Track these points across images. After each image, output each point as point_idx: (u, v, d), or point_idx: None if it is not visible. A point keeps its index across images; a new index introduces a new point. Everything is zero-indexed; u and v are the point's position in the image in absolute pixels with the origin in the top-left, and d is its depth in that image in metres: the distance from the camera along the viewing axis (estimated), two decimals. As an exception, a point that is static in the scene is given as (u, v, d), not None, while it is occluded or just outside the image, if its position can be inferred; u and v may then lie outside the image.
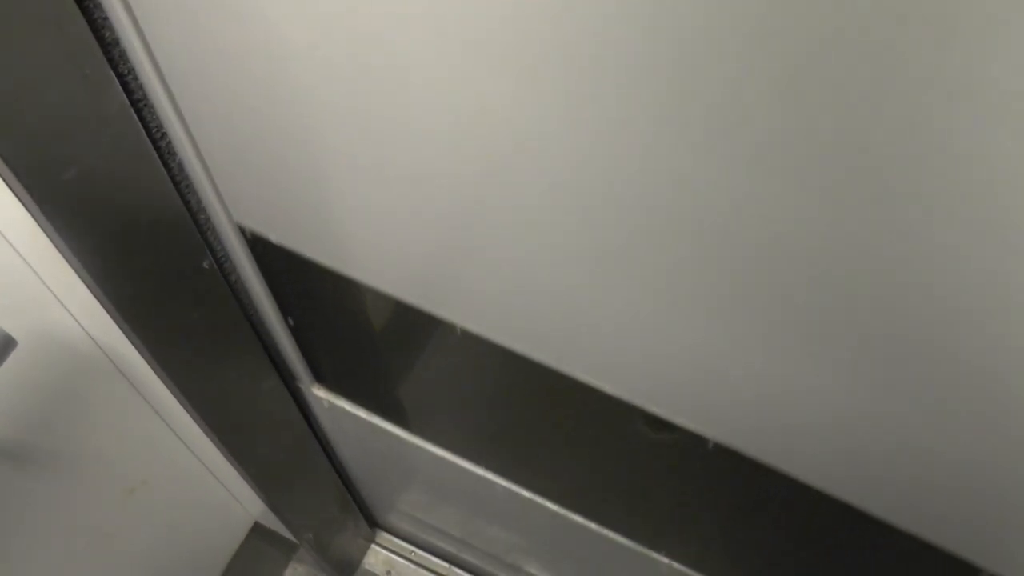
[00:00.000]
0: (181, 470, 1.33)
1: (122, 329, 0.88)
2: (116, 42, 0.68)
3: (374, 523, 1.74)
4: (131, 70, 0.71)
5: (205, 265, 0.89)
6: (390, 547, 1.74)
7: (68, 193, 0.70)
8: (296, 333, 1.05)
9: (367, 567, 1.73)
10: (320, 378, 1.17)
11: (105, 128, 0.71)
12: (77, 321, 0.98)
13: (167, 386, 0.99)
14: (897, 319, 0.52)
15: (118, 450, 1.20)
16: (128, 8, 0.65)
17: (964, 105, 0.38)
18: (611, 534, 1.09)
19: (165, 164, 0.79)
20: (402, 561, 1.72)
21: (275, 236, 0.84)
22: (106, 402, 1.11)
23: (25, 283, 0.88)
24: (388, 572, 1.72)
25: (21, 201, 0.69)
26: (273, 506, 1.34)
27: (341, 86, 0.60)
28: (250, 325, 1.01)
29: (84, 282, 0.81)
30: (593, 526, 1.09)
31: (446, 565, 1.69)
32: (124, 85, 0.71)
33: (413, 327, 0.88)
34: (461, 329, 0.81)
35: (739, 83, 0.43)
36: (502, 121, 0.54)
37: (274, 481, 1.29)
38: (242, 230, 0.86)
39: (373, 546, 1.75)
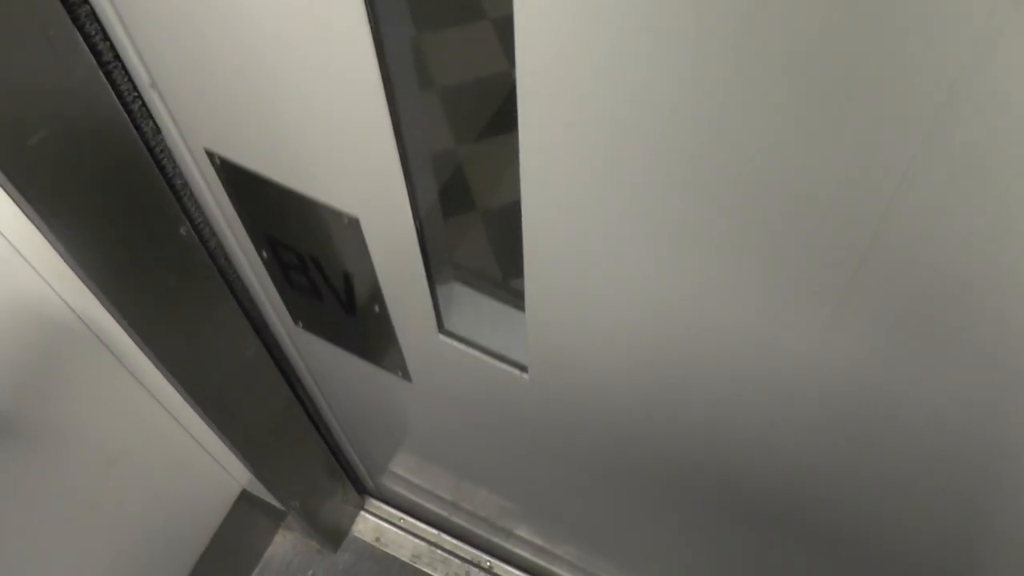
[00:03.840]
0: (165, 439, 1.32)
1: (97, 297, 0.86)
2: (82, 1, 0.66)
3: (363, 490, 1.73)
4: (100, 30, 0.69)
5: (182, 231, 0.87)
6: (379, 514, 1.74)
7: (35, 158, 0.68)
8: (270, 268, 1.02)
9: (356, 534, 1.73)
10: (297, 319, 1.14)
11: (73, 91, 0.69)
12: (53, 289, 0.96)
13: (146, 354, 0.97)
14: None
15: (98, 419, 1.18)
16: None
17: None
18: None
19: (138, 127, 0.76)
20: (391, 528, 1.72)
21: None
22: (85, 371, 1.10)
23: (-3, 251, 0.86)
24: (377, 539, 1.72)
25: (-15, 167, 0.67)
26: (259, 474, 1.33)
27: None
28: (231, 291, 1.00)
29: (56, 250, 0.80)
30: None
31: (435, 532, 1.69)
32: (92, 47, 0.69)
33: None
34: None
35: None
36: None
37: (259, 448, 1.28)
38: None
39: (362, 513, 1.75)
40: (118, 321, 0.91)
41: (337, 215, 0.77)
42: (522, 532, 1.45)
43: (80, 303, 0.99)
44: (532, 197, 0.59)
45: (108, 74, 0.71)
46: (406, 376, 1.05)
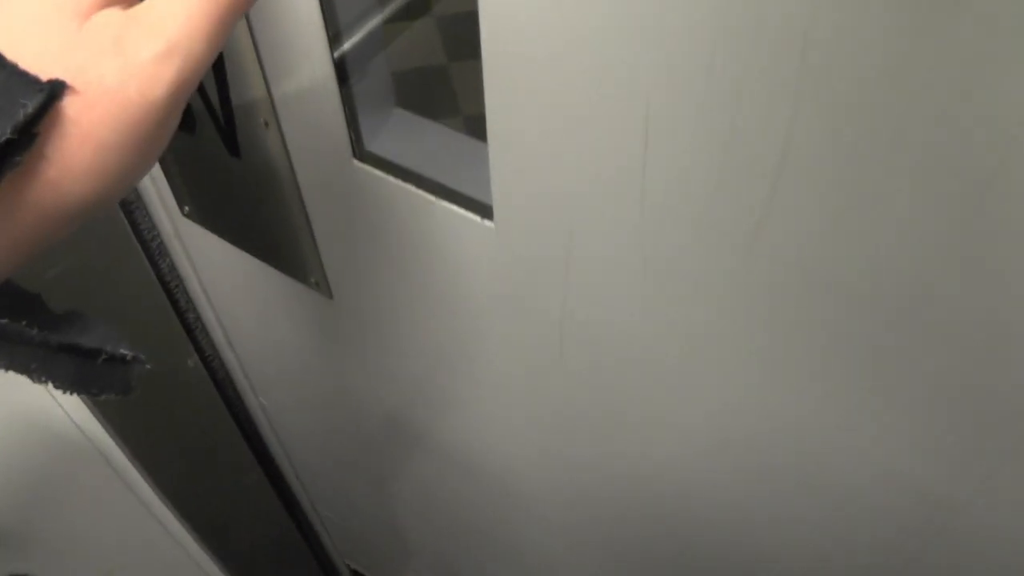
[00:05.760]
0: (161, 556, 1.30)
1: (103, 425, 0.87)
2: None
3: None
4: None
5: (190, 363, 0.87)
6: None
7: (48, 290, 0.69)
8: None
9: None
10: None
11: (92, 226, 0.70)
12: (60, 405, 0.97)
13: (146, 480, 0.97)
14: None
15: (95, 533, 1.17)
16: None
17: None
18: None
19: (153, 263, 0.78)
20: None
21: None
22: (85, 485, 1.09)
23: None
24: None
25: None
26: (253, 602, 1.30)
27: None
28: (235, 421, 1.00)
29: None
30: None
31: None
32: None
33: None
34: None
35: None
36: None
37: (255, 577, 1.26)
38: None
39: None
40: (120, 448, 0.91)
41: None
42: None
43: (83, 420, 1.00)
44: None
45: (129, 214, 0.73)
46: (323, 286, 0.75)
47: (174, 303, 0.82)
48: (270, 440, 1.09)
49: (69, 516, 1.12)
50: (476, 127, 0.52)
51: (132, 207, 0.76)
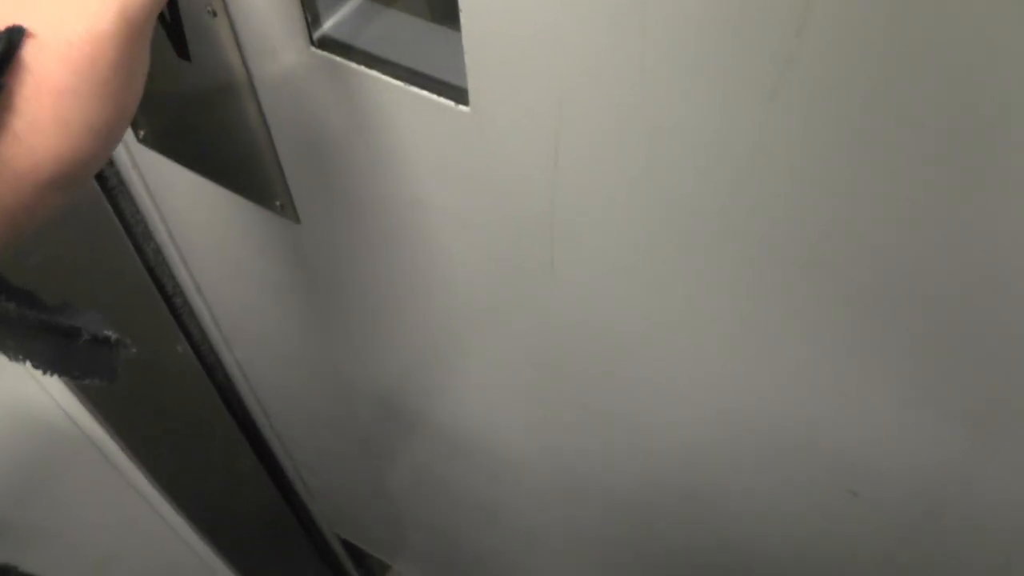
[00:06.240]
0: (156, 541, 1.29)
1: (92, 413, 0.86)
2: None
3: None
4: (105, 155, 0.69)
5: (179, 349, 0.86)
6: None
7: (32, 277, 0.68)
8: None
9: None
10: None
11: (73, 213, 0.69)
12: (50, 395, 0.96)
13: (137, 467, 0.96)
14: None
15: (88, 522, 1.16)
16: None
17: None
18: None
19: (139, 248, 0.77)
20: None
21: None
22: (76, 474, 1.09)
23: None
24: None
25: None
26: (249, 585, 1.30)
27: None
28: (226, 407, 0.99)
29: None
30: None
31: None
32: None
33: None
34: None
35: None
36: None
37: (252, 563, 1.25)
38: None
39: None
40: (110, 434, 0.90)
41: None
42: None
43: (74, 409, 0.99)
44: None
45: (112, 199, 0.72)
46: (289, 208, 0.68)
47: (160, 288, 0.81)
48: (261, 422, 1.08)
49: (60, 504, 1.11)
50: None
51: (114, 191, 0.75)
